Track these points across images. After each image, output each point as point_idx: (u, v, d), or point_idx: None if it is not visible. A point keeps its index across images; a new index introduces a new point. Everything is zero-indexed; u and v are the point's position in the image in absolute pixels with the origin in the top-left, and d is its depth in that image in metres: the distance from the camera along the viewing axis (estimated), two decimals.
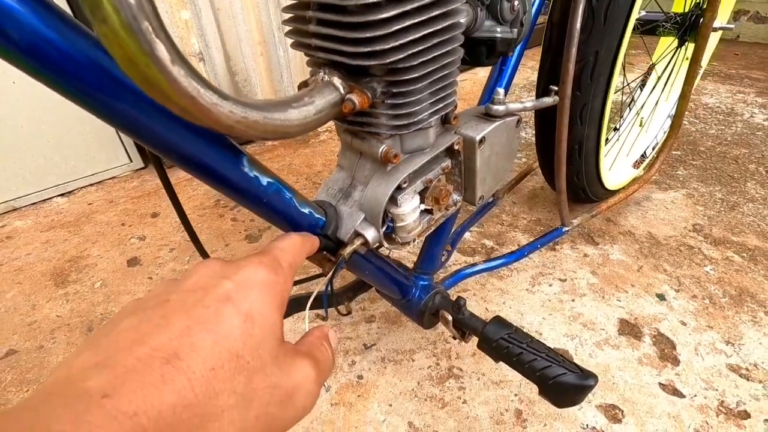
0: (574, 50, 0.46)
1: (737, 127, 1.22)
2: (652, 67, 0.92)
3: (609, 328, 0.61)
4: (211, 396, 0.15)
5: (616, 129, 0.88)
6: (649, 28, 0.73)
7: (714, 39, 0.92)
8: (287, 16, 0.29)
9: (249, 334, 0.17)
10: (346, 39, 0.26)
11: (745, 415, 0.50)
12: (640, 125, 0.95)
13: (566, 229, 0.63)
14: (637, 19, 0.75)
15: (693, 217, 0.83)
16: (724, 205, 0.86)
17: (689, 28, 0.68)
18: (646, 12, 0.73)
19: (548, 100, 0.46)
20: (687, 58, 0.82)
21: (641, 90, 0.97)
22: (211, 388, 0.15)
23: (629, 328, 0.61)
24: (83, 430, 0.11)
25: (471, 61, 0.36)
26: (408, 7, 0.25)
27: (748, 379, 0.54)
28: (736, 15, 2.06)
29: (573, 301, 0.66)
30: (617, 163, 0.85)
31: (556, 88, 0.47)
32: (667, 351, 0.58)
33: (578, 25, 0.46)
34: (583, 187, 0.69)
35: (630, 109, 0.93)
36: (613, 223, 0.82)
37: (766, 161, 1.03)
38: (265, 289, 0.19)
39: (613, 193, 0.77)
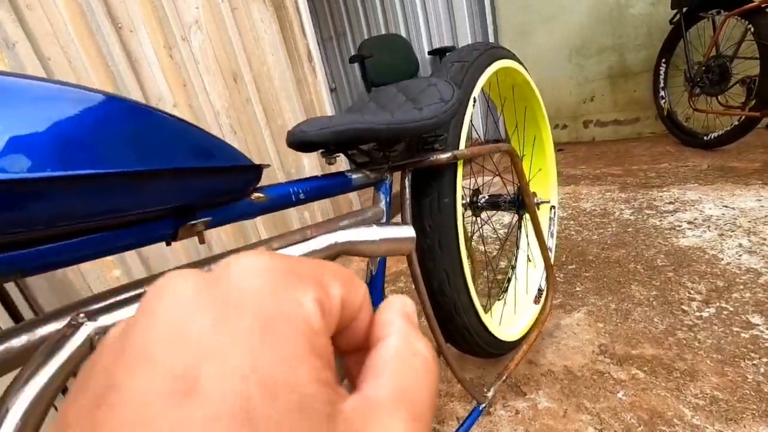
0: None
1: (612, 227, 1.45)
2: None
3: None
4: None
5: (508, 280, 1.03)
6: (493, 203, 0.93)
7: (545, 209, 1.15)
8: None
9: None
10: None
11: None
12: (529, 260, 1.12)
13: (483, 405, 0.69)
14: (486, 200, 0.95)
15: (597, 337, 0.93)
16: (619, 316, 0.98)
17: (519, 205, 0.87)
18: (489, 195, 0.94)
19: None
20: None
21: (520, 233, 1.15)
22: None
23: None
24: None
25: None
26: None
27: None
28: (585, 123, 2.58)
29: None
30: (518, 309, 0.96)
31: None
32: None
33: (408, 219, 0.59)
34: (477, 342, 0.77)
35: (517, 256, 1.10)
36: (534, 364, 0.90)
37: (641, 258, 1.21)
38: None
39: (519, 342, 0.86)
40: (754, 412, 0.68)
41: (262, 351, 0.09)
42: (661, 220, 1.41)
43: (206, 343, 0.09)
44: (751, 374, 0.75)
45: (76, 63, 0.93)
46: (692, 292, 1.01)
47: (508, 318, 0.93)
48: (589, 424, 0.73)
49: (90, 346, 0.20)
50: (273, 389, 0.09)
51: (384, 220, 0.52)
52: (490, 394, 0.70)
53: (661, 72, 2.11)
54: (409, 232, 0.34)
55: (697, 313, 0.93)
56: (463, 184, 0.74)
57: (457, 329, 0.72)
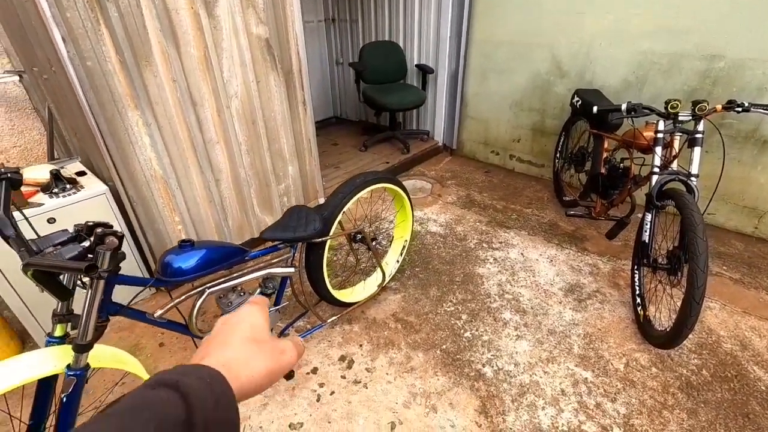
0: None
1: (458, 249, 2.46)
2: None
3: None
4: (246, 353, 0.36)
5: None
6: (360, 241, 1.93)
7: (401, 241, 2.15)
8: None
9: (253, 330, 0.39)
10: None
11: None
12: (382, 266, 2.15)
13: (324, 323, 1.77)
14: (359, 239, 1.94)
15: (396, 308, 2.01)
16: (414, 300, 2.05)
17: (373, 245, 1.88)
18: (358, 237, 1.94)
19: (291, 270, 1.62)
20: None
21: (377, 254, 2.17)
22: (244, 349, 0.37)
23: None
24: (201, 363, 0.33)
25: None
26: None
27: None
28: (511, 156, 3.44)
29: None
30: (366, 288, 2.03)
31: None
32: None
33: None
34: (329, 299, 1.83)
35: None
36: (362, 312, 1.99)
37: (452, 273, 2.25)
38: (257, 312, 0.42)
39: (358, 303, 1.93)
40: (446, 347, 1.78)
41: (251, 332, 0.39)
42: (484, 252, 2.43)
43: (238, 326, 0.40)
44: (462, 331, 1.84)
45: (174, 125, 1.83)
46: (456, 294, 2.07)
47: (358, 292, 1.99)
48: (366, 341, 1.83)
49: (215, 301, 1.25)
50: (256, 337, 0.39)
51: (290, 264, 1.54)
52: (329, 320, 1.79)
53: (561, 141, 2.95)
54: (292, 269, 1.39)
55: (449, 309, 2.00)
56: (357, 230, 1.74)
57: (321, 294, 1.78)
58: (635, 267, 1.91)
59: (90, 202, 1.74)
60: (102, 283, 0.99)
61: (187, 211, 2.05)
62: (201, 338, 1.32)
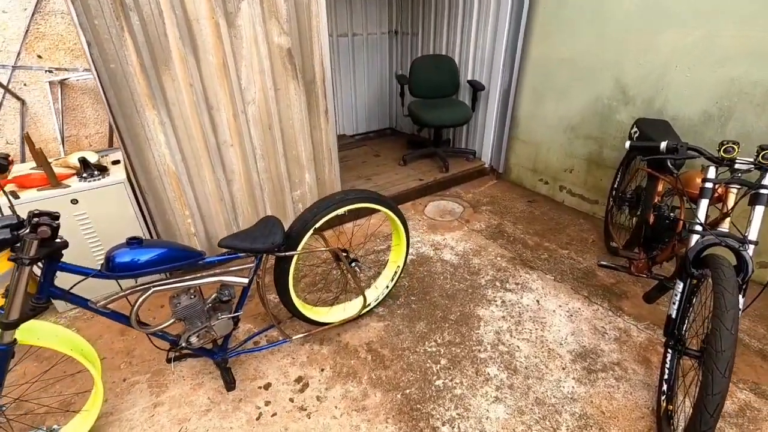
0: None
1: (466, 284, 2.23)
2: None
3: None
4: None
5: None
6: (349, 262, 1.84)
7: (393, 267, 2.00)
8: None
9: None
10: None
11: None
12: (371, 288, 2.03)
13: (289, 340, 1.72)
14: (350, 260, 1.86)
15: (374, 337, 1.88)
16: (394, 332, 1.90)
17: (352, 267, 1.78)
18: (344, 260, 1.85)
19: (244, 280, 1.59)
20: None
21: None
22: None
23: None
24: None
25: None
26: None
27: None
28: (561, 187, 3.06)
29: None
30: (347, 309, 1.93)
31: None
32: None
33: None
34: (298, 315, 1.77)
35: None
36: (336, 334, 1.89)
37: (449, 309, 2.04)
38: None
39: (329, 324, 1.85)
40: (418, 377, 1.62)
41: None
42: (493, 292, 2.16)
43: None
44: (434, 377, 1.66)
45: (188, 126, 1.95)
46: (444, 334, 1.87)
47: (335, 313, 1.90)
48: (329, 365, 1.73)
49: None
50: None
51: (252, 273, 1.51)
52: (295, 336, 1.74)
53: (618, 177, 2.53)
54: (245, 280, 1.38)
55: (429, 348, 1.82)
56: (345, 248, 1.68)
57: (289, 308, 1.73)
58: (668, 346, 1.52)
59: (109, 189, 1.92)
60: (26, 269, 1.06)
61: (197, 206, 2.17)
62: (143, 332, 1.36)
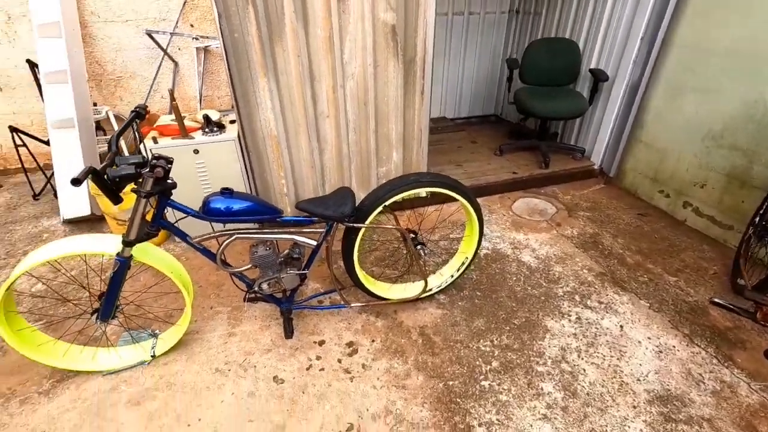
0: None
1: (540, 291, 2.06)
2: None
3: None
4: None
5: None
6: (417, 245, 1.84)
7: (461, 257, 1.91)
8: None
9: None
10: None
11: None
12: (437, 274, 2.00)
13: (348, 307, 1.82)
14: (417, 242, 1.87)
15: (427, 323, 1.87)
16: (450, 325, 1.86)
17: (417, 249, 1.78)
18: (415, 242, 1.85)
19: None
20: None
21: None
22: None
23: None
24: None
25: None
26: None
27: None
28: (685, 204, 2.59)
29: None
30: (407, 290, 1.94)
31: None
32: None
33: None
34: (357, 285, 1.84)
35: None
36: (394, 311, 1.93)
37: (514, 314, 1.92)
38: None
39: (384, 299, 1.89)
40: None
41: None
42: (570, 306, 1.97)
43: None
44: (481, 377, 1.64)
45: (292, 95, 2.13)
46: (502, 337, 1.78)
47: (395, 291, 1.93)
48: (380, 339, 1.79)
49: None
50: None
51: (321, 238, 1.62)
52: (353, 304, 1.83)
53: (766, 203, 2.04)
54: (314, 242, 1.52)
55: (483, 347, 1.75)
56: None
57: (352, 278, 1.82)
58: None
59: (222, 145, 2.21)
60: (143, 200, 1.29)
61: (291, 169, 2.37)
62: (225, 270, 1.57)
